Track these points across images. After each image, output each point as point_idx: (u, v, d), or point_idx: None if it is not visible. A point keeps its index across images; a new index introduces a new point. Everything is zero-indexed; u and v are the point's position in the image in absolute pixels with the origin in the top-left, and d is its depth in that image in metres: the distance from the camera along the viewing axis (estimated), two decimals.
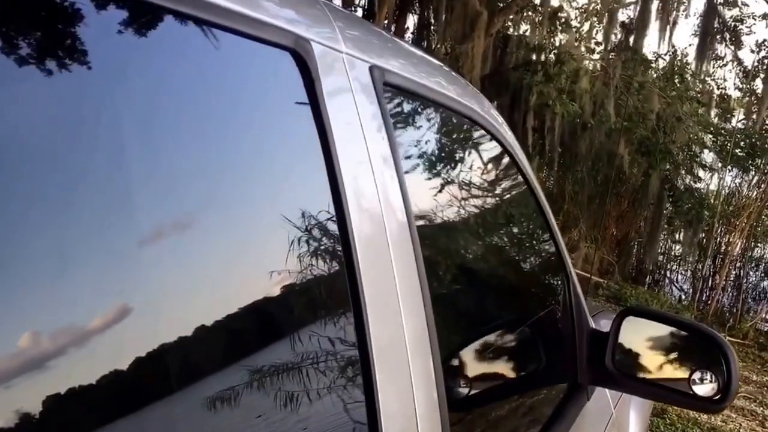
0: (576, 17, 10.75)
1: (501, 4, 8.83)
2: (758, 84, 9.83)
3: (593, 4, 10.87)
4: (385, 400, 0.73)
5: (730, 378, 1.40)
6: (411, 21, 10.01)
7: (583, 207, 8.64)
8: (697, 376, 1.45)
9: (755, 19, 10.03)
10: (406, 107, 1.01)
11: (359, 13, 9.82)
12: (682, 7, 10.40)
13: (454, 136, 1.24)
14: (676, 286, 8.90)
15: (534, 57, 9.10)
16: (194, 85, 0.61)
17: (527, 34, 10.26)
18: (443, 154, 1.17)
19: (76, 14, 0.49)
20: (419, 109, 1.06)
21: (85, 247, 0.47)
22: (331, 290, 0.74)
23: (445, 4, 8.67)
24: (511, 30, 10.26)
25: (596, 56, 10.13)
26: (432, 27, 9.81)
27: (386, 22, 9.19)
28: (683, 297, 8.33)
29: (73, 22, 0.49)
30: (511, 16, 9.69)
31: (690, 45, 12.65)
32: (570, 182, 8.81)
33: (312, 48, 0.71)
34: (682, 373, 1.48)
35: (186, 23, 0.57)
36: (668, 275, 9.20)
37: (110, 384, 0.46)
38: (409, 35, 10.05)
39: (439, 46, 9.41)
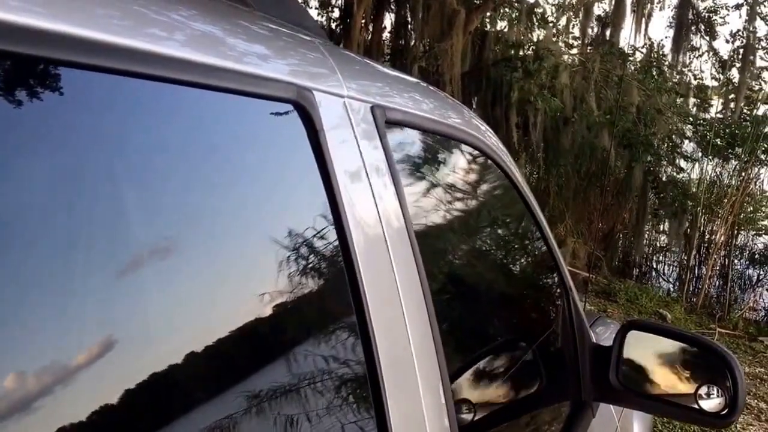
0: (552, 13, 10.79)
1: (477, 2, 8.83)
2: (734, 74, 9.93)
3: None
4: (397, 425, 0.72)
5: (736, 392, 1.38)
6: (388, 20, 9.98)
7: (569, 202, 8.67)
8: (703, 390, 1.43)
9: (728, 10, 10.14)
10: (409, 142, 0.99)
11: (336, 13, 9.79)
12: (656, 0, 10.49)
13: (457, 165, 1.23)
14: (663, 278, 8.95)
15: (513, 53, 9.10)
16: (199, 147, 0.58)
17: (505, 30, 10.27)
18: (446, 185, 1.16)
19: (82, 81, 0.47)
20: (421, 142, 1.05)
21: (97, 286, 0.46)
22: (338, 320, 0.74)
23: (421, 2, 8.66)
24: (488, 27, 10.27)
25: (574, 51, 10.18)
26: (409, 26, 9.78)
27: (363, 21, 9.16)
28: (671, 289, 8.38)
29: (80, 88, 0.48)
30: (488, 13, 9.70)
31: (666, 37, 12.75)
32: (554, 177, 8.83)
33: (314, 97, 0.69)
34: (687, 388, 1.47)
35: (190, 88, 0.55)
36: (655, 267, 9.26)
37: (111, 410, 0.45)
38: (386, 34, 10.03)
39: (417, 44, 9.38)
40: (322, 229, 0.69)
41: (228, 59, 0.59)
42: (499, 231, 1.52)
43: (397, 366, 0.75)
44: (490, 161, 1.27)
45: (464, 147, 1.19)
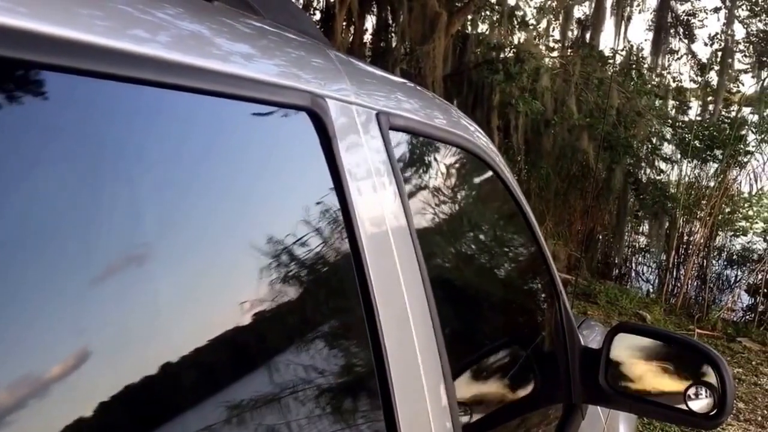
0: (533, 16, 10.87)
1: (459, 4, 8.87)
2: (713, 76, 10.07)
3: (549, 2, 11.00)
4: (405, 425, 0.73)
5: (725, 393, 1.41)
6: (369, 22, 9.99)
7: (549, 204, 8.73)
8: (691, 391, 1.46)
9: (707, 13, 10.29)
10: (410, 147, 1.00)
11: (317, 15, 9.77)
12: (636, 3, 10.61)
13: (454, 169, 1.25)
14: (642, 279, 9.03)
15: (494, 56, 9.15)
16: (215, 154, 0.58)
17: (486, 33, 10.33)
18: (445, 188, 1.18)
19: (97, 86, 0.47)
20: (421, 147, 1.06)
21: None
22: (348, 319, 0.75)
23: (405, 5, 8.67)
24: (470, 29, 10.32)
25: (555, 54, 10.26)
26: (391, 28, 9.80)
27: (344, 24, 9.16)
28: (651, 290, 8.46)
29: (93, 94, 0.47)
30: (469, 16, 9.75)
31: (645, 40, 12.90)
32: (535, 179, 8.89)
33: (327, 104, 0.70)
34: (675, 389, 1.49)
35: (204, 96, 0.55)
36: (635, 268, 9.34)
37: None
38: (368, 36, 10.04)
39: (398, 46, 9.40)
40: (333, 233, 0.70)
41: (244, 67, 0.59)
42: (495, 234, 1.54)
43: (403, 367, 0.76)
44: (483, 163, 1.29)
45: (460, 151, 1.21)
